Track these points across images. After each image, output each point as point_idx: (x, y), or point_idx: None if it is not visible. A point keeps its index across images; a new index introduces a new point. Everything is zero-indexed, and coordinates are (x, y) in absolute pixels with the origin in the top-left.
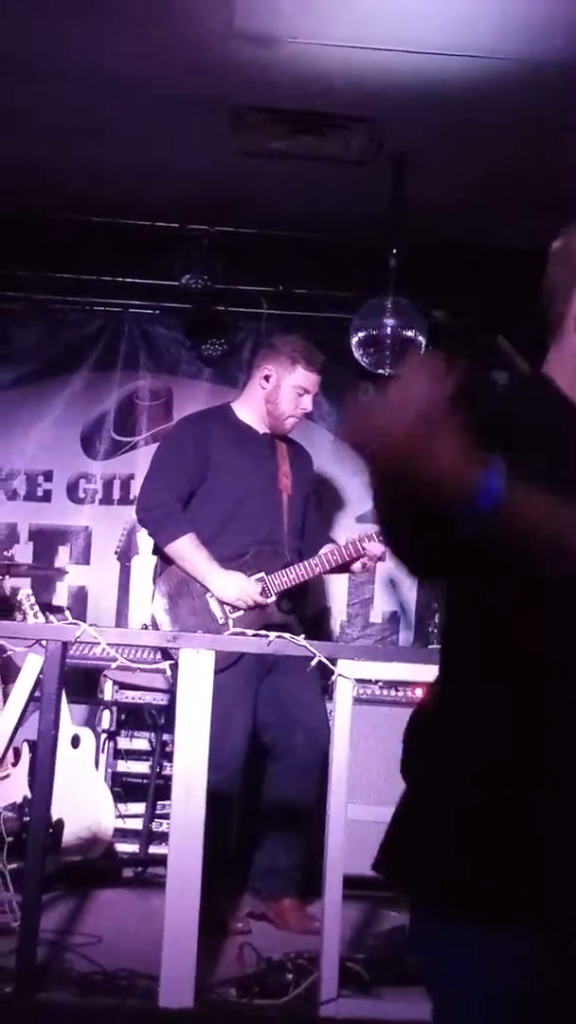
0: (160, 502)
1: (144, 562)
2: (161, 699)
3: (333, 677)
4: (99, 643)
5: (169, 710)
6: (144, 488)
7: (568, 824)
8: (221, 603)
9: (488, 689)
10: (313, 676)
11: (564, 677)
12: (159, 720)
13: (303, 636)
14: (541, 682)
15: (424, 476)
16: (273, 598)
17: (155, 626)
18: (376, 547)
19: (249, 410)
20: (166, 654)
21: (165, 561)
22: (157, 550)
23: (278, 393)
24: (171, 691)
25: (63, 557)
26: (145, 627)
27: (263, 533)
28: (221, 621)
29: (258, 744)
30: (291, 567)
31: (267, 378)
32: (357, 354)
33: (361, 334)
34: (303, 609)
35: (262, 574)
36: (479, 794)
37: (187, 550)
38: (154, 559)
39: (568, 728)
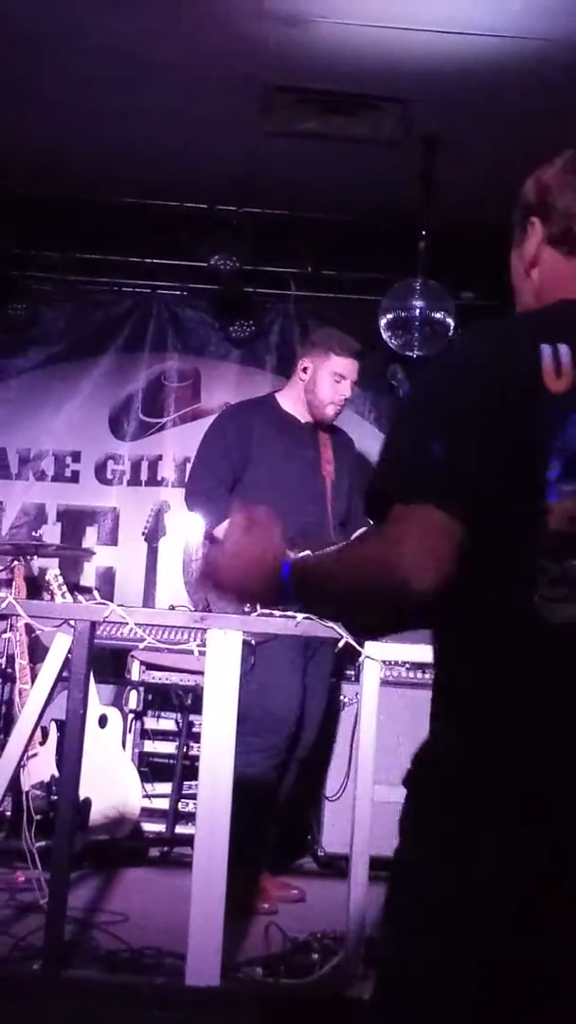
0: (206, 488)
1: (171, 543)
2: (188, 679)
3: (360, 658)
4: (127, 623)
5: (196, 690)
6: (191, 474)
7: None
8: None
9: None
10: (329, 663)
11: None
12: (186, 700)
13: None
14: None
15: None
16: None
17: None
18: None
19: (292, 401)
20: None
21: (212, 542)
22: (207, 534)
23: (315, 382)
24: (198, 671)
25: (91, 538)
26: (172, 607)
27: (307, 519)
28: None
29: None
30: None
31: (305, 370)
32: (386, 336)
33: (390, 316)
34: None
35: (307, 552)
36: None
37: None
38: (182, 540)
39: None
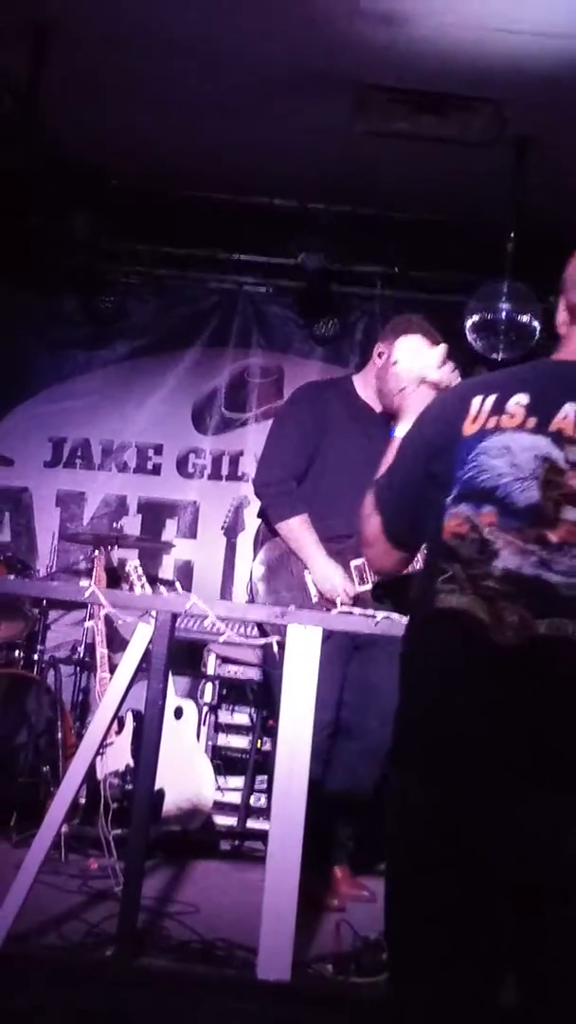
0: (276, 479)
1: (250, 538)
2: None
3: None
4: (207, 615)
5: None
6: (262, 461)
7: None
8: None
9: None
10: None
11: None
12: (260, 696)
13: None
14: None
15: None
16: (369, 585)
17: (251, 591)
18: None
19: (367, 386)
20: (262, 629)
21: (271, 530)
22: (264, 516)
23: (387, 369)
24: (271, 667)
25: (170, 531)
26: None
27: None
28: (315, 600)
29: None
30: None
31: (380, 354)
32: (471, 338)
33: (475, 317)
34: (401, 597)
35: (361, 560)
36: None
37: (297, 531)
38: (257, 524)
39: None
